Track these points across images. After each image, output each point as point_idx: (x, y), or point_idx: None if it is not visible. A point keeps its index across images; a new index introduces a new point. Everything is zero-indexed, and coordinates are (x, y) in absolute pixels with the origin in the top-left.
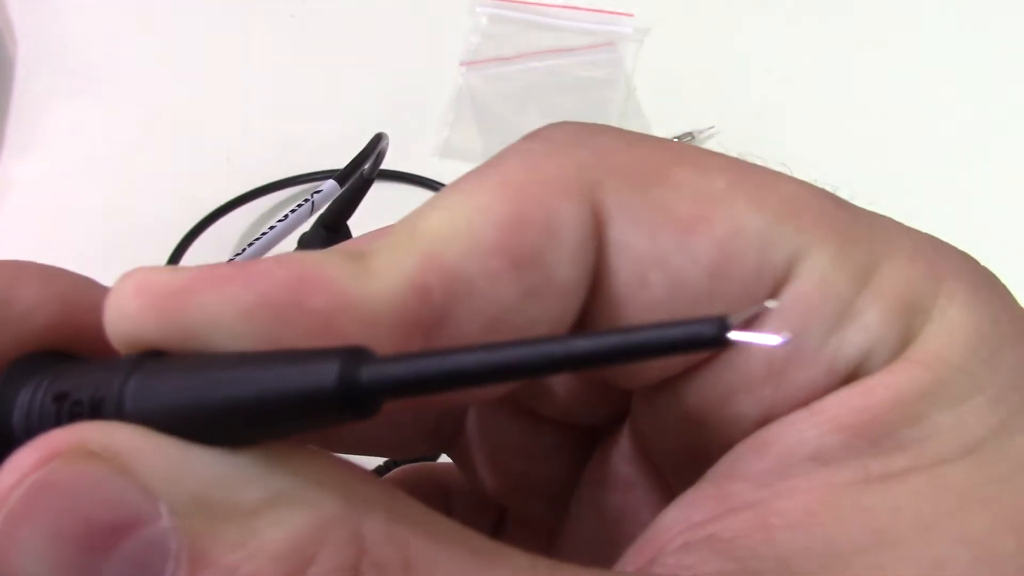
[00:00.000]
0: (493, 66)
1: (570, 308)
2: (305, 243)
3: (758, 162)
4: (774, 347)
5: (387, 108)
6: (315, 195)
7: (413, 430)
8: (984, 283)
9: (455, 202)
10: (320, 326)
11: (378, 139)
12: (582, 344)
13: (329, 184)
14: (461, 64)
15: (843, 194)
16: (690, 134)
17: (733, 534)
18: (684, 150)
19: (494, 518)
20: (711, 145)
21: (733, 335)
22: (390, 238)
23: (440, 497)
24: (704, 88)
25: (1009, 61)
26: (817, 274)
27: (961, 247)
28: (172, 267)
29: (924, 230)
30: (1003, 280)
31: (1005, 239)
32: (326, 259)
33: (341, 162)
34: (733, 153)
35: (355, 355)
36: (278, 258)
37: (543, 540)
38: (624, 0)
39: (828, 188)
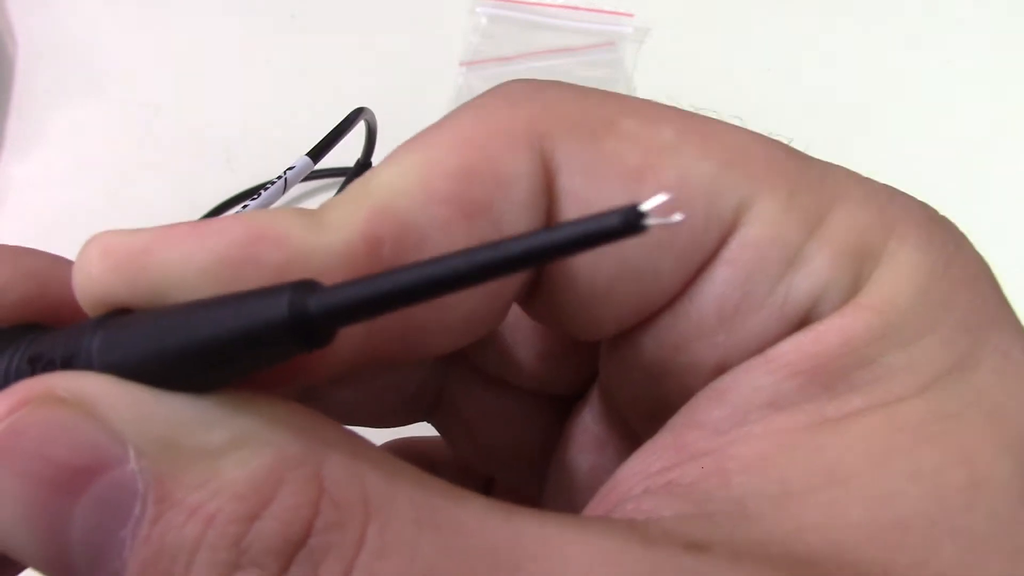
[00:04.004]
0: (493, 66)
1: None
2: None
3: None
4: (674, 224)
5: (387, 108)
6: (288, 172)
7: (394, 397)
8: (938, 228)
9: (407, 157)
10: (275, 278)
11: (357, 113)
12: (515, 246)
13: (302, 161)
14: (461, 64)
15: (797, 146)
16: None
17: (691, 479)
18: (632, 102)
19: (480, 488)
20: None
21: (646, 220)
22: (344, 194)
23: (424, 468)
24: (704, 88)
25: (1012, 57)
26: (766, 220)
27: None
28: (134, 229)
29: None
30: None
31: (1002, 236)
32: (280, 215)
33: (341, 160)
34: None
35: (303, 287)
36: (234, 216)
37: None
38: (624, 0)
39: (782, 140)
